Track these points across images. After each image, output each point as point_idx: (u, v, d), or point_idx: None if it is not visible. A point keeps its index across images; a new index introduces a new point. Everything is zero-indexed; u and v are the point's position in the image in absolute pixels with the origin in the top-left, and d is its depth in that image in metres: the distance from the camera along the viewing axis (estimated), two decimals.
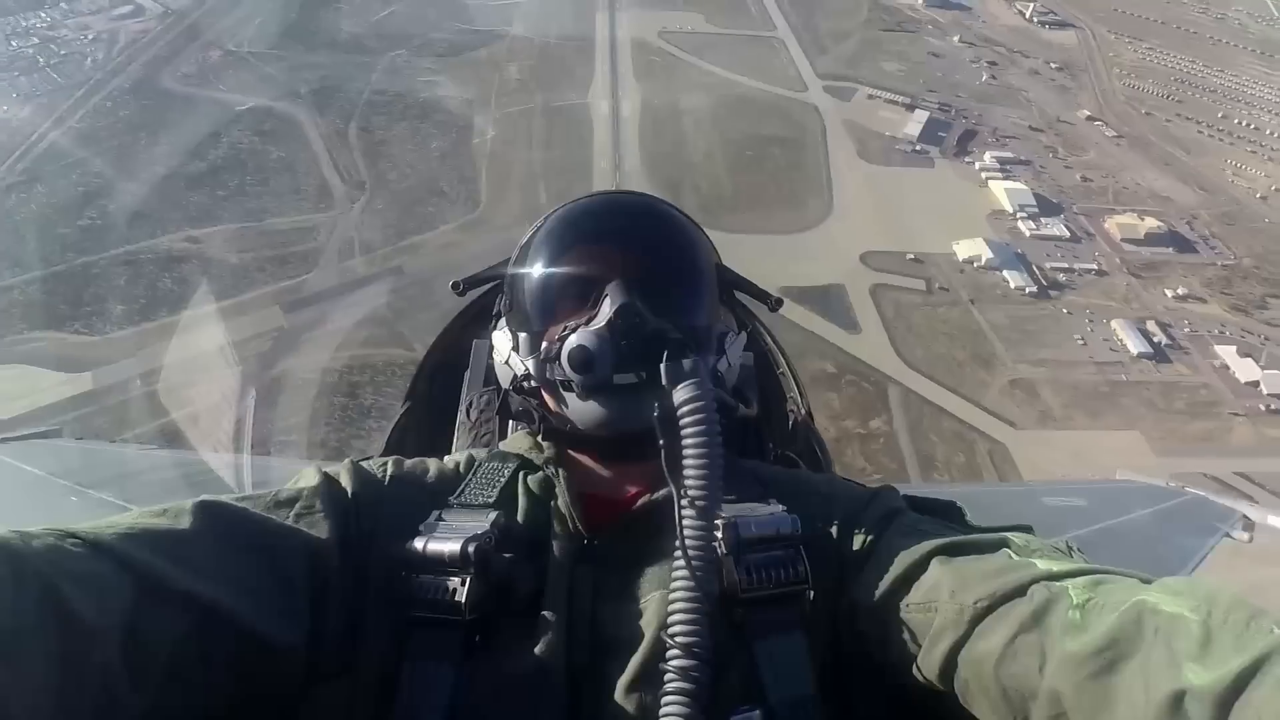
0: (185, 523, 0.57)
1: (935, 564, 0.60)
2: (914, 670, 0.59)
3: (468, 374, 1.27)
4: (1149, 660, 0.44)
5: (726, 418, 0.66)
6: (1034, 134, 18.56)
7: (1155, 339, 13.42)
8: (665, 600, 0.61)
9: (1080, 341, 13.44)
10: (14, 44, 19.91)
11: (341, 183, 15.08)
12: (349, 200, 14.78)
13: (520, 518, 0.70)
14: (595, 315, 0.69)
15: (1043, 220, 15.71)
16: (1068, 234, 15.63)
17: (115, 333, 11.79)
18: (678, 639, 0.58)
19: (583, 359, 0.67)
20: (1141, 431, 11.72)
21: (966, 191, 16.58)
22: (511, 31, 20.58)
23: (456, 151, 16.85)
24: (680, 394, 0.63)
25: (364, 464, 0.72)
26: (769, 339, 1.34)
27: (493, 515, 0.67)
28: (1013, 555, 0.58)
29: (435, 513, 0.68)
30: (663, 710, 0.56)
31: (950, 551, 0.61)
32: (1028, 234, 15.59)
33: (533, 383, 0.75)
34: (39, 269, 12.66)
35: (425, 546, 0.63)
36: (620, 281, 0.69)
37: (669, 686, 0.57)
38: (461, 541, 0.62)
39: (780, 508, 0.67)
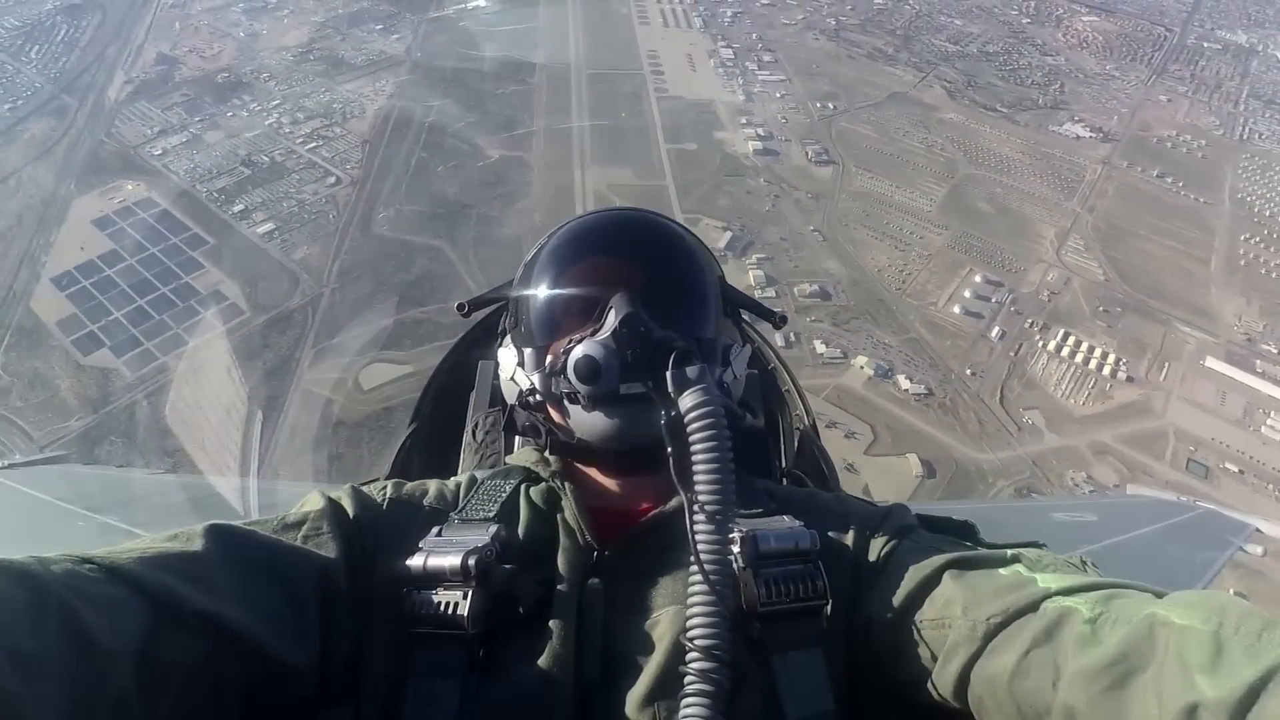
0: (197, 545, 0.57)
1: (948, 580, 0.61)
2: (928, 687, 0.60)
3: (473, 395, 1.31)
4: (1161, 673, 0.43)
5: (735, 428, 0.65)
6: (781, 242, 38.62)
7: (790, 339, 33.69)
8: (680, 614, 0.60)
9: None
10: (283, 205, 39.65)
11: (474, 286, 35.09)
12: None
13: (521, 530, 0.71)
14: (600, 327, 0.71)
15: (766, 290, 35.97)
16: (775, 295, 35.73)
17: (414, 349, 31.89)
18: (697, 642, 0.56)
19: (589, 369, 0.69)
20: None
21: (737, 276, 36.14)
22: (532, 191, 40.71)
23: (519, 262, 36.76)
24: (687, 400, 0.63)
25: (364, 488, 0.75)
26: (773, 356, 1.39)
27: (493, 528, 0.67)
28: (1025, 571, 0.59)
29: (435, 529, 0.69)
30: (683, 713, 0.55)
31: (962, 566, 0.61)
32: (758, 297, 35.54)
33: (538, 397, 0.77)
34: (371, 325, 32.61)
35: (425, 562, 0.63)
36: (624, 293, 0.71)
37: (689, 689, 0.56)
38: (461, 555, 0.62)
39: (798, 522, 0.68)
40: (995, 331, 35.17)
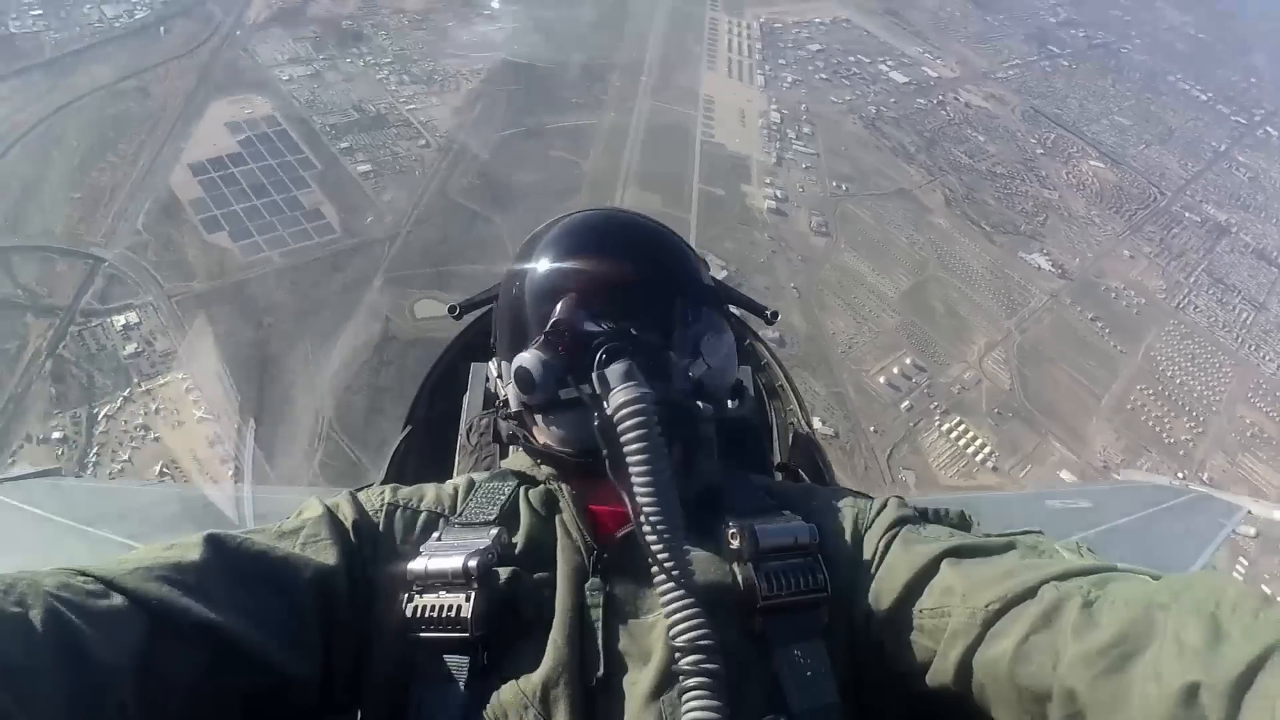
0: (194, 555, 0.57)
1: (945, 568, 0.62)
2: (930, 675, 0.61)
3: (466, 397, 1.31)
4: (1160, 654, 0.44)
5: (693, 418, 0.66)
6: (764, 290, 46.87)
7: None
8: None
9: None
10: (381, 152, 47.94)
11: (511, 256, 43.86)
12: None
13: (521, 533, 0.72)
14: (539, 336, 0.71)
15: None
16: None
17: (459, 295, 40.73)
18: (679, 640, 0.58)
19: (524, 380, 0.71)
20: None
21: None
22: (580, 193, 49.32)
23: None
24: (615, 399, 0.63)
25: (361, 494, 0.76)
26: (767, 353, 1.40)
27: (494, 531, 0.68)
28: (1022, 557, 0.60)
29: (435, 533, 0.70)
30: (686, 705, 0.56)
31: (960, 555, 0.62)
32: None
33: (511, 408, 0.80)
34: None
35: (427, 566, 0.64)
36: (572, 296, 0.72)
37: (689, 683, 0.58)
38: (463, 557, 0.62)
39: (796, 517, 0.69)
40: (905, 404, 43.85)
